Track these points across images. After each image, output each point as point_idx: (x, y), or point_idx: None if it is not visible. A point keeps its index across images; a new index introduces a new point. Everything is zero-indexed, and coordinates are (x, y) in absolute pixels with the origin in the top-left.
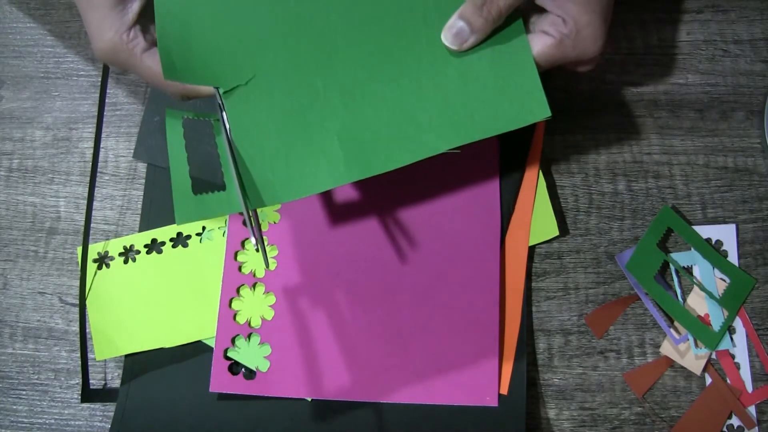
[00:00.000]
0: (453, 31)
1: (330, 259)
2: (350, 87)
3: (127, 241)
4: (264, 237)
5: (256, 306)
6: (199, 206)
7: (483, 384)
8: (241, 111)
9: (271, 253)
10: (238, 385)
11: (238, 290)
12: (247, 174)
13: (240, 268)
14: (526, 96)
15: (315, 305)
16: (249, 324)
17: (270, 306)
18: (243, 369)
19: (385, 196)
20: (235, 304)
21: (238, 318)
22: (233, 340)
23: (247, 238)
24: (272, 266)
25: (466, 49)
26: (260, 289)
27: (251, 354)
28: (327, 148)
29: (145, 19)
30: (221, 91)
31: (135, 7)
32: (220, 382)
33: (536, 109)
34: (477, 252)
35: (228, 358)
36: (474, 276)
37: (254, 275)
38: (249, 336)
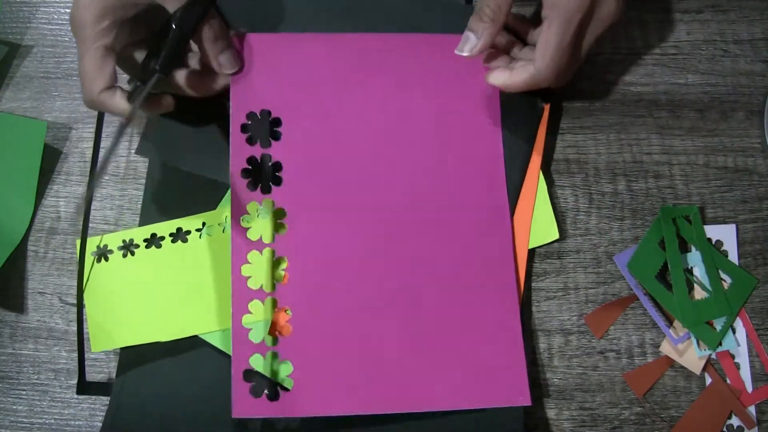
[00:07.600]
0: (462, 41)
1: (343, 268)
2: None
3: (126, 235)
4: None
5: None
6: None
7: (513, 384)
8: None
9: (282, 265)
10: (262, 408)
11: (248, 306)
12: None
13: (247, 282)
14: None
15: (332, 317)
16: (265, 342)
17: (287, 321)
18: (266, 391)
19: (395, 203)
20: (246, 320)
21: (252, 336)
22: (249, 360)
23: (250, 251)
24: (281, 278)
25: (476, 54)
26: (269, 302)
27: (272, 372)
28: None
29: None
30: None
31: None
32: (243, 406)
33: None
34: (491, 250)
35: (248, 378)
36: (490, 278)
37: (263, 289)
38: (269, 354)
